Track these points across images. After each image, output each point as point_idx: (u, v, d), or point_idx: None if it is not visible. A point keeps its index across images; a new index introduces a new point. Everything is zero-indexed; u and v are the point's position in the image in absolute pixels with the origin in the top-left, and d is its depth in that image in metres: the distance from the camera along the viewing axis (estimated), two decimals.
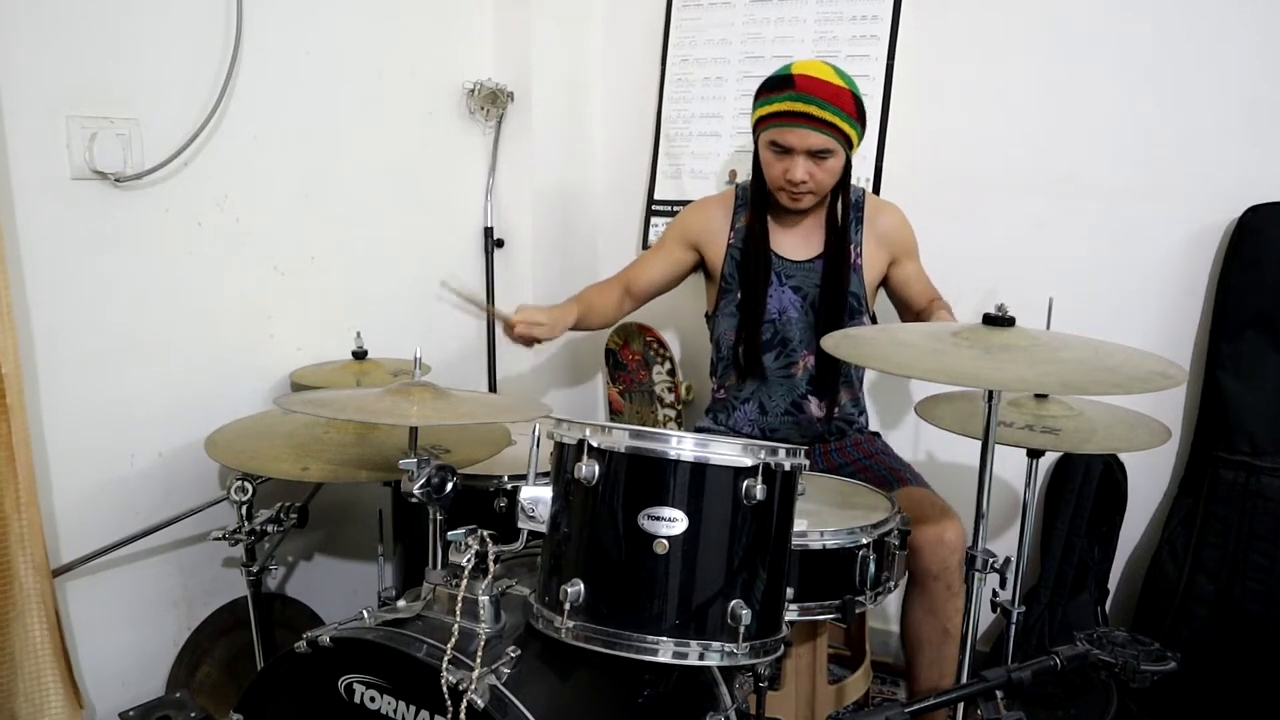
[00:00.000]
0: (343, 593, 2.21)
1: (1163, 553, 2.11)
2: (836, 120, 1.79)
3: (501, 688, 1.15)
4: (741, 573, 1.20)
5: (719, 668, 1.41)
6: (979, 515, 1.41)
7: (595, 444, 1.19)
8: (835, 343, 1.41)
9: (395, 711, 1.20)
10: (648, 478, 1.18)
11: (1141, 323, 2.15)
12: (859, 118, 1.83)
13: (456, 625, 1.20)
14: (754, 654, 1.20)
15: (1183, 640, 2.03)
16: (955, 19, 2.25)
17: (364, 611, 1.28)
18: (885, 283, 2.03)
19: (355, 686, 1.22)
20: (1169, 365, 1.31)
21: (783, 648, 1.27)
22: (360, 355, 1.99)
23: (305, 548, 2.15)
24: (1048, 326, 1.57)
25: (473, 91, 2.38)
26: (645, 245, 2.59)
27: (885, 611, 2.43)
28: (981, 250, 2.23)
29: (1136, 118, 2.11)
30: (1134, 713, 2.04)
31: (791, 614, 1.45)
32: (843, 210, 1.93)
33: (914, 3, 2.27)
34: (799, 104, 1.78)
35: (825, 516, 1.56)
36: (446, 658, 1.15)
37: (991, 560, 1.42)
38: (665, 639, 1.16)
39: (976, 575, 1.41)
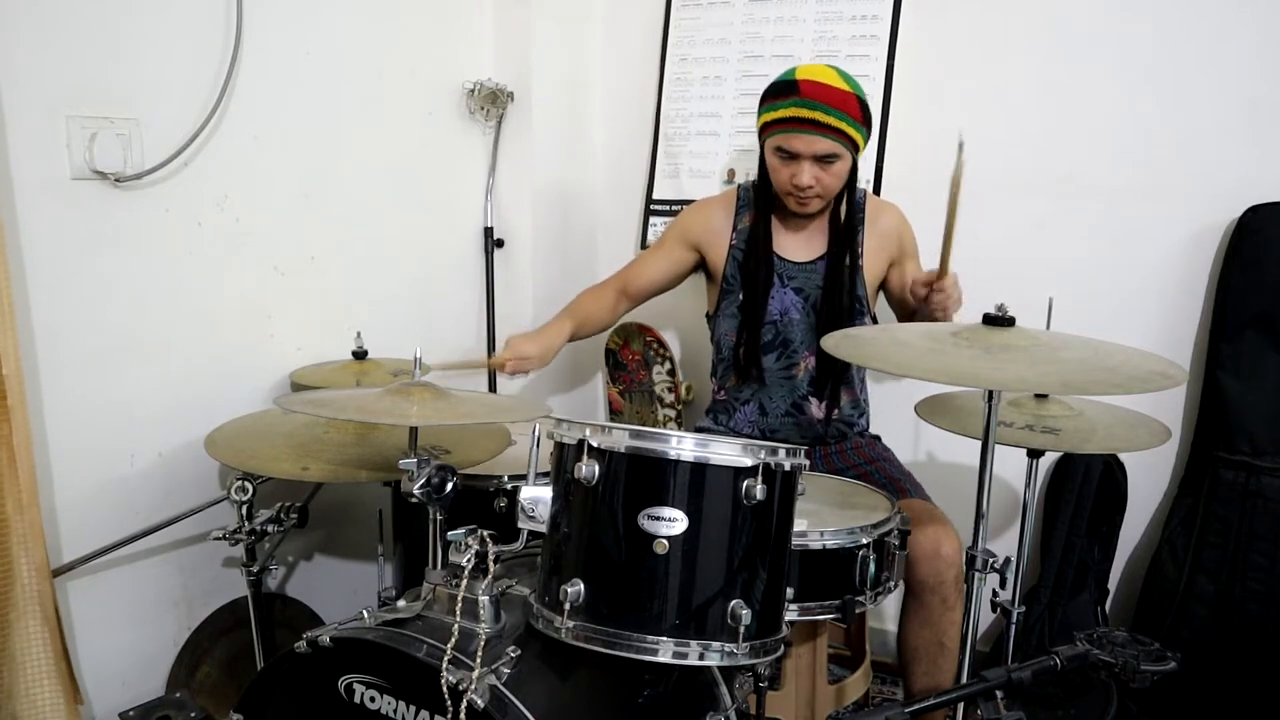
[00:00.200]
0: (343, 593, 2.21)
1: (1163, 553, 2.11)
2: (842, 125, 1.79)
3: (501, 688, 1.15)
4: (741, 573, 1.20)
5: (719, 668, 1.41)
6: (979, 515, 1.42)
7: (595, 444, 1.19)
8: (835, 343, 1.41)
9: (395, 711, 1.20)
10: (648, 478, 1.18)
11: (1141, 323, 2.15)
12: (865, 121, 1.83)
13: (456, 625, 1.20)
14: (754, 654, 1.20)
15: (1183, 640, 2.03)
16: (955, 19, 2.25)
17: (364, 611, 1.28)
18: (884, 284, 2.03)
19: (355, 686, 1.22)
20: (1169, 365, 1.31)
21: (783, 648, 1.27)
22: (360, 355, 1.99)
23: (305, 548, 2.15)
24: (1048, 326, 1.57)
25: (473, 91, 2.38)
26: (644, 244, 2.59)
27: (885, 611, 2.43)
28: (981, 250, 2.21)
29: (1136, 118, 2.11)
30: (1134, 713, 2.04)
31: (791, 614, 1.45)
32: (848, 212, 1.93)
33: (914, 3, 2.27)
34: (804, 110, 1.78)
35: (825, 516, 1.56)
36: (446, 658, 1.15)
37: (991, 560, 1.42)
38: (665, 639, 1.16)
39: (976, 575, 1.41)
